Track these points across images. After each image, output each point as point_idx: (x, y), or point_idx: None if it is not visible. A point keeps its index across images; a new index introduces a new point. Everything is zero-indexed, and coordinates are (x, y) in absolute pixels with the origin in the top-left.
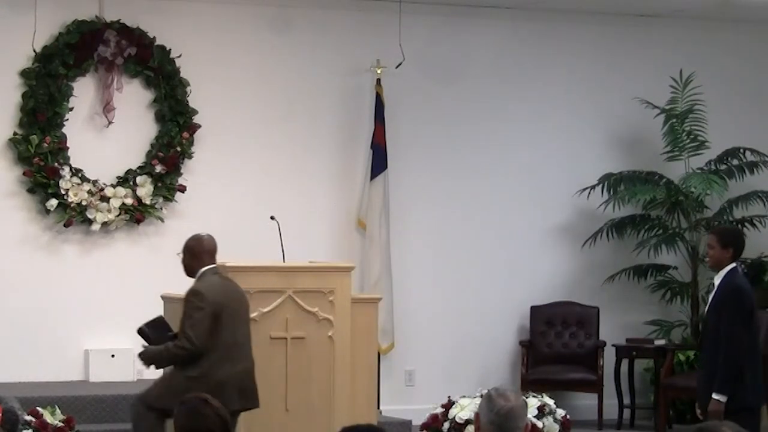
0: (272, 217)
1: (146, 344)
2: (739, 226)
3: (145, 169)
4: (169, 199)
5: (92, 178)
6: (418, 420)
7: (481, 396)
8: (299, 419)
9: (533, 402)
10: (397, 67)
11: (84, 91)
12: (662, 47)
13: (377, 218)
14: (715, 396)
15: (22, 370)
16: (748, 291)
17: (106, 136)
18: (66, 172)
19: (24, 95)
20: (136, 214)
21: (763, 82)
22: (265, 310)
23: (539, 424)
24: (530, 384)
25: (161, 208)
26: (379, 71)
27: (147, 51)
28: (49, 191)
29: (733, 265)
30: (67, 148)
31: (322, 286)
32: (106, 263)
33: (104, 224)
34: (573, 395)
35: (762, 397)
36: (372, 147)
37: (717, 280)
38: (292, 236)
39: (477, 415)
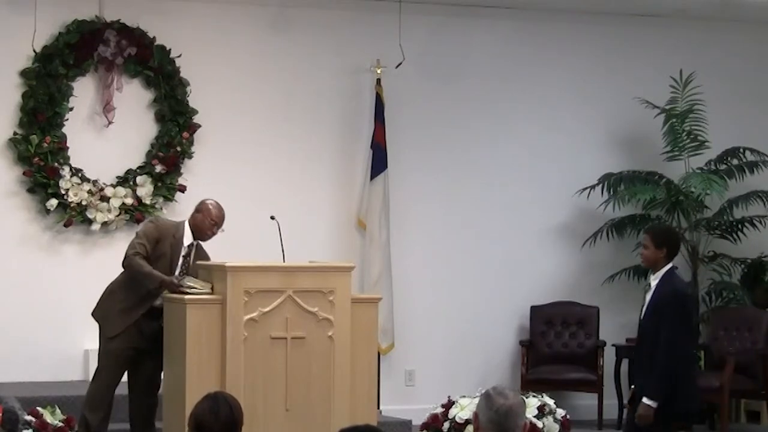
0: (272, 217)
1: None
2: (740, 226)
3: (145, 169)
4: (169, 199)
5: (92, 178)
6: (418, 420)
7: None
8: (299, 419)
9: (533, 402)
10: (397, 67)
11: (84, 91)
12: (662, 47)
13: (377, 218)
14: (646, 401)
15: (22, 370)
16: (688, 294)
17: (106, 136)
18: (66, 172)
19: (24, 95)
20: (136, 214)
21: (763, 82)
22: (265, 310)
23: (539, 423)
24: (530, 384)
25: (161, 208)
26: (379, 71)
27: (147, 51)
28: (49, 191)
29: (671, 266)
30: (67, 148)
31: (322, 286)
32: (106, 263)
33: (104, 224)
34: (573, 395)
35: (697, 404)
36: (372, 147)
37: (654, 282)
38: (292, 236)
39: (476, 414)
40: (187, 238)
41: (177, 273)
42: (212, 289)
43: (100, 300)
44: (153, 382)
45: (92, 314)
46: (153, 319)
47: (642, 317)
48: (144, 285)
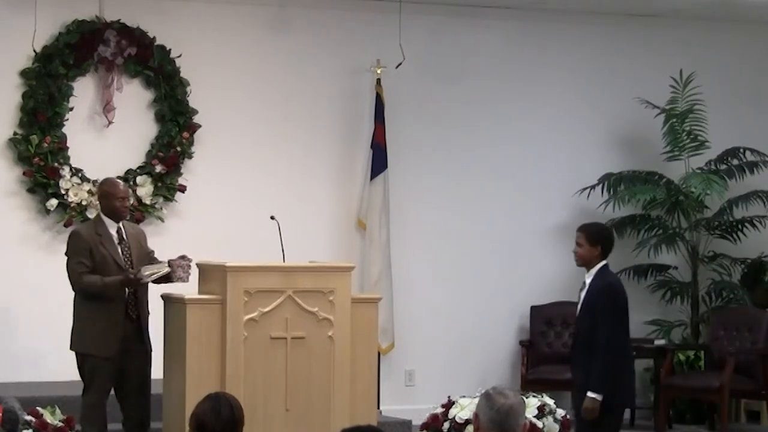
0: (272, 217)
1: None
2: (740, 226)
3: (145, 169)
4: (169, 199)
5: (92, 177)
6: (418, 420)
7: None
8: (299, 419)
9: (533, 402)
10: (397, 67)
11: (84, 91)
12: (662, 47)
13: (377, 218)
14: (590, 394)
15: (22, 370)
16: (621, 290)
17: (106, 136)
18: (66, 171)
19: (24, 95)
20: (136, 214)
21: (763, 82)
22: (265, 310)
23: (539, 423)
24: (530, 384)
25: (161, 208)
26: (379, 71)
27: (147, 51)
28: (49, 191)
29: (604, 263)
30: (67, 147)
31: (322, 286)
32: None
33: None
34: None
35: (633, 398)
36: (372, 147)
37: (588, 279)
38: (292, 236)
39: (476, 415)
40: (111, 226)
41: (123, 259)
42: (169, 264)
43: (74, 334)
44: (144, 380)
45: (72, 348)
46: (129, 319)
47: (577, 314)
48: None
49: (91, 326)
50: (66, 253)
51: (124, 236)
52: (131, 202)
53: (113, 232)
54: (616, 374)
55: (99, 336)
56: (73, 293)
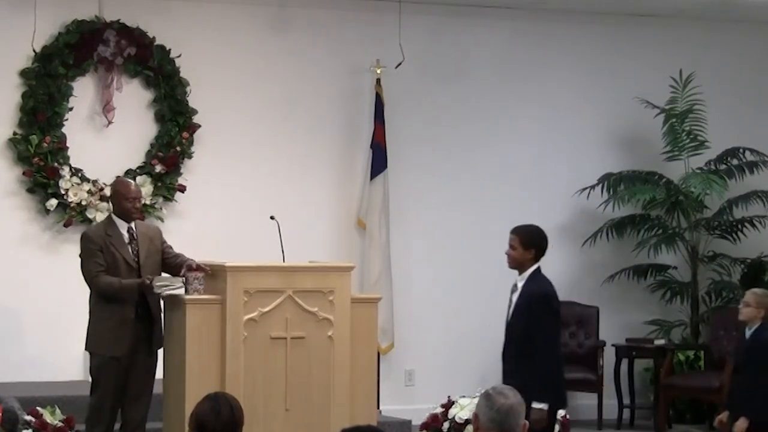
0: (272, 217)
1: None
2: (739, 225)
3: (145, 168)
4: (169, 198)
5: (92, 177)
6: (418, 420)
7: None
8: (299, 419)
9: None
10: (396, 67)
11: (84, 90)
12: (662, 47)
13: (377, 218)
14: (536, 405)
15: (22, 370)
16: (554, 295)
17: (105, 135)
18: (66, 171)
19: (24, 95)
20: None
21: (763, 82)
22: (265, 310)
23: None
24: None
25: (161, 208)
26: (378, 71)
27: (147, 51)
28: (49, 191)
29: (537, 266)
30: (67, 147)
31: (322, 286)
32: None
33: None
34: (573, 395)
35: (565, 403)
36: (372, 147)
37: (520, 283)
38: (292, 236)
39: (476, 415)
40: (122, 226)
41: (133, 258)
42: (185, 278)
43: (88, 332)
44: (148, 383)
45: (87, 349)
46: (139, 320)
47: (509, 318)
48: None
49: (104, 326)
50: (80, 255)
51: (135, 236)
52: (142, 202)
53: (124, 232)
54: (556, 381)
55: (110, 335)
56: (79, 295)
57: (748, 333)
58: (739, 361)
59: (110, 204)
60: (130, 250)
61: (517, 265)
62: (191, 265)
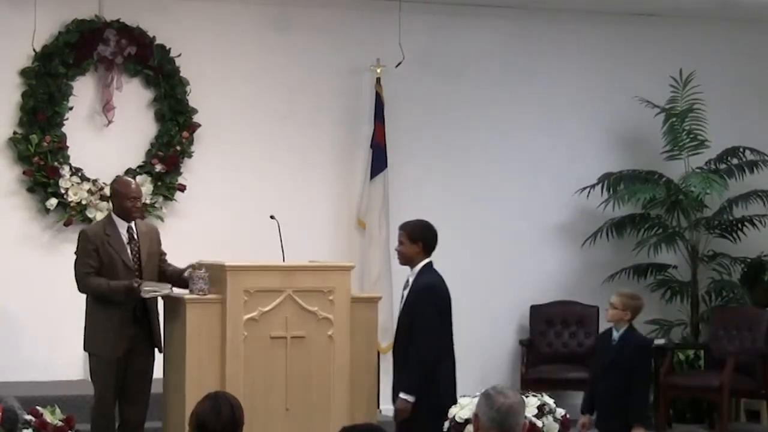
0: (272, 217)
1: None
2: (739, 225)
3: (145, 168)
4: (169, 198)
5: (92, 177)
6: None
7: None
8: (299, 419)
9: (533, 401)
10: (397, 66)
11: (84, 90)
12: (662, 46)
13: (377, 218)
14: (402, 395)
15: (22, 370)
16: (440, 288)
17: (105, 135)
18: (66, 171)
19: (24, 94)
20: None
21: (763, 81)
22: (265, 309)
23: (539, 423)
24: (530, 383)
25: (161, 208)
26: (378, 70)
27: (147, 50)
28: (49, 190)
29: (427, 261)
30: (67, 147)
31: (321, 286)
32: None
33: None
34: (573, 394)
35: (452, 397)
36: (372, 146)
37: (411, 278)
38: (292, 235)
39: (476, 415)
40: (121, 226)
41: (132, 260)
42: (171, 289)
43: (85, 332)
44: (146, 383)
45: (85, 349)
46: (136, 321)
47: (399, 313)
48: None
49: (101, 327)
50: (75, 252)
51: (135, 236)
52: (143, 202)
53: (123, 231)
54: (431, 376)
55: (107, 336)
56: (79, 294)
57: (615, 335)
58: (606, 363)
59: (110, 203)
60: (129, 250)
61: (406, 260)
62: (194, 265)
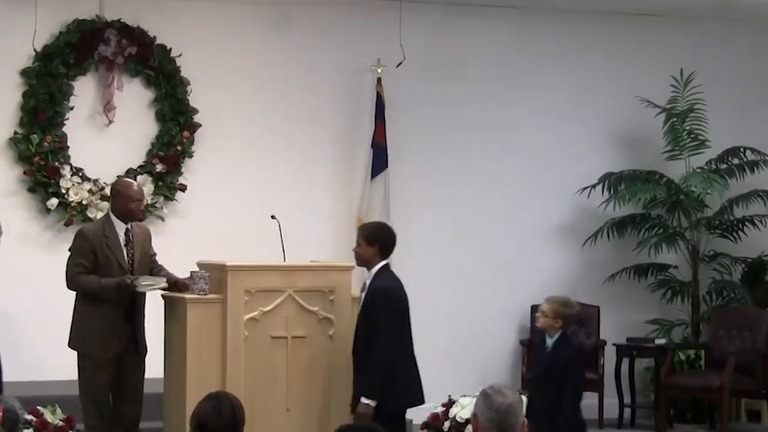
0: (272, 217)
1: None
2: (740, 225)
3: (146, 168)
4: (169, 198)
5: (93, 177)
6: (419, 419)
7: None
8: (299, 419)
9: None
10: (397, 66)
11: (84, 90)
12: (663, 46)
13: (378, 218)
14: (364, 400)
15: (22, 370)
16: (395, 291)
17: (106, 135)
18: (66, 171)
19: (24, 94)
20: None
21: (764, 81)
22: (266, 309)
23: None
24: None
25: (162, 208)
26: (379, 70)
27: (147, 50)
28: (50, 190)
29: (384, 263)
30: (68, 147)
31: (322, 286)
32: None
33: None
34: None
35: (415, 398)
36: (372, 146)
37: (368, 280)
38: (292, 235)
39: (474, 415)
40: (119, 227)
41: (127, 262)
42: (167, 282)
43: (72, 332)
44: (137, 383)
45: (71, 346)
46: (128, 322)
47: (357, 316)
48: (101, 297)
49: (92, 327)
50: (69, 249)
51: (132, 238)
52: (145, 203)
53: (121, 233)
54: (390, 379)
55: (99, 337)
56: (70, 291)
57: (549, 342)
58: (539, 371)
59: (111, 203)
60: (125, 252)
61: (363, 261)
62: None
